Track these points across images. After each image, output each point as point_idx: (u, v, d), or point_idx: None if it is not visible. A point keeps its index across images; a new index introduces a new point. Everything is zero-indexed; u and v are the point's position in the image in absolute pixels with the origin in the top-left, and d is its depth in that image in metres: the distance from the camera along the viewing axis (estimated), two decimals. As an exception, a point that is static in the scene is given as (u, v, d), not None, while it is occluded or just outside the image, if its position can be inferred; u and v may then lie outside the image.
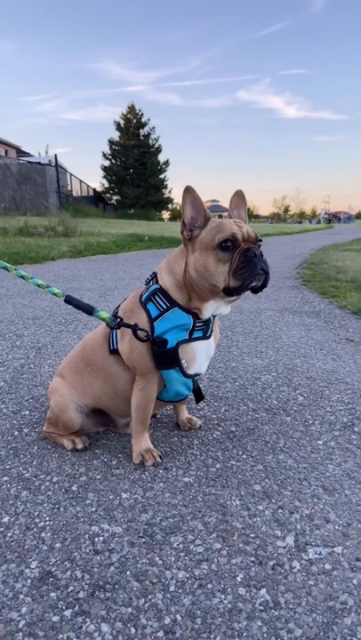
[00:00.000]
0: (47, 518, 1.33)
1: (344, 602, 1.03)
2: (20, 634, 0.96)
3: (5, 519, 1.33)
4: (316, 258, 9.18)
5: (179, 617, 1.00)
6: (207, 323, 1.55)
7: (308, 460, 1.63)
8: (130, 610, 1.02)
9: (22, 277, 1.64)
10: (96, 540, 1.24)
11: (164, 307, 1.50)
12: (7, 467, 1.59)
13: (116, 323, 1.52)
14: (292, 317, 3.90)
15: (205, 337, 1.57)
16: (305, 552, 1.19)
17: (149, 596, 1.05)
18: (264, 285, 1.43)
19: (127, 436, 1.80)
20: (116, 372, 1.62)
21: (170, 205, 47.06)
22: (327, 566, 1.14)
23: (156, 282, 1.56)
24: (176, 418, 1.89)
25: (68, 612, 1.01)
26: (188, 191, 1.42)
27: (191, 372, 1.58)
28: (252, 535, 1.25)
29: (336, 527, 1.28)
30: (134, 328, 1.49)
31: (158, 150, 43.24)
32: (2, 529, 1.28)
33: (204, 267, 1.41)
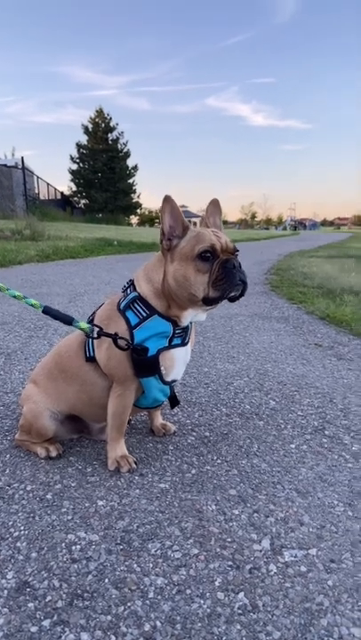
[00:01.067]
0: (22, 528, 1.31)
1: (320, 603, 1.06)
2: (-2, 646, 0.94)
3: (-21, 529, 1.30)
4: (283, 264, 9.33)
5: (158, 623, 1.00)
6: (185, 330, 1.57)
7: (282, 464, 1.65)
8: (109, 618, 1.01)
9: None
10: (73, 548, 1.23)
11: (144, 314, 1.51)
12: (-21, 476, 1.56)
13: (96, 332, 1.51)
14: (262, 322, 3.95)
15: (183, 344, 1.58)
16: (281, 555, 1.21)
17: (128, 604, 1.05)
18: (242, 295, 1.45)
19: (101, 443, 1.79)
20: (92, 379, 1.61)
21: (138, 210, 47.05)
22: (303, 568, 1.16)
23: (134, 289, 1.56)
24: (150, 424, 1.89)
25: (46, 622, 1.00)
26: (167, 201, 1.43)
27: (169, 378, 1.59)
28: (229, 539, 1.26)
29: (310, 529, 1.31)
30: (115, 337, 1.48)
31: (127, 155, 43.21)
32: (-25, 539, 1.26)
33: (184, 277, 1.42)
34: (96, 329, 1.52)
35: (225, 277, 1.40)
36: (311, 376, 2.60)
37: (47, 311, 1.61)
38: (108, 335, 1.49)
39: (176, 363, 1.59)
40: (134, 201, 44.62)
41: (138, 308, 1.52)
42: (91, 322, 1.61)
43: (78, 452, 1.74)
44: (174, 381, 1.64)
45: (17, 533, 1.28)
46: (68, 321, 1.57)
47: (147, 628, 0.99)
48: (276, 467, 1.64)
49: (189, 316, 1.53)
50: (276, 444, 1.80)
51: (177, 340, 1.56)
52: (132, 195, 43.92)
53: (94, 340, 1.58)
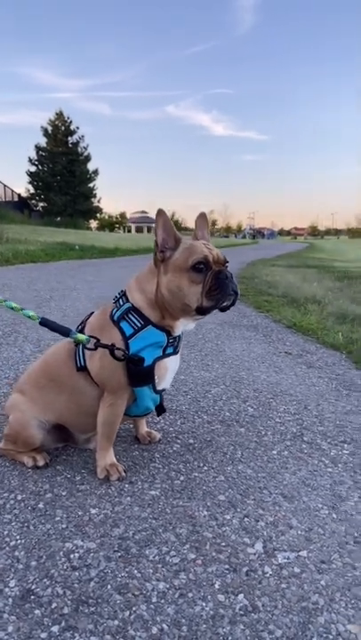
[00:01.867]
0: (17, 537, 1.31)
1: (316, 602, 1.11)
2: (10, 654, 0.95)
3: (-26, 540, 1.30)
4: (247, 272, 9.51)
5: (165, 626, 1.03)
6: (177, 339, 1.61)
7: (266, 470, 1.71)
8: (116, 622, 1.04)
9: None
10: (71, 556, 1.24)
11: (139, 325, 1.54)
12: (-33, 486, 1.55)
13: (93, 344, 1.53)
14: (233, 331, 4.04)
15: (175, 352, 1.62)
16: (274, 557, 1.26)
17: (133, 608, 1.08)
18: (232, 304, 1.51)
19: (87, 452, 1.80)
20: (82, 389, 1.63)
21: (98, 215, 46.74)
22: (296, 570, 1.22)
23: (127, 300, 1.59)
24: (136, 432, 1.92)
25: (55, 628, 1.02)
26: (160, 214, 1.47)
27: (161, 387, 1.62)
28: (223, 544, 1.31)
29: (299, 532, 1.37)
30: (112, 348, 1.50)
31: (87, 159, 42.91)
32: (-28, 550, 1.26)
33: (178, 287, 1.47)
34: (93, 340, 1.53)
35: (218, 288, 1.45)
36: (285, 383, 2.69)
37: (45, 323, 1.62)
38: (105, 346, 1.51)
39: (168, 372, 1.63)
40: (94, 205, 44.33)
41: (132, 318, 1.55)
42: (81, 331, 1.63)
43: (65, 460, 1.75)
44: (164, 390, 1.67)
45: (13, 542, 1.29)
46: (65, 332, 1.58)
47: (154, 630, 1.02)
48: (261, 472, 1.69)
49: (182, 326, 1.58)
50: (259, 451, 1.86)
51: (169, 350, 1.60)
52: (93, 199, 43.62)
53: (86, 350, 1.60)
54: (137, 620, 1.04)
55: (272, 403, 2.37)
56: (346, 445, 1.92)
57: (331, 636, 1.02)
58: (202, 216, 1.66)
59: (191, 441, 1.93)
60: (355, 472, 1.71)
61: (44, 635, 1.00)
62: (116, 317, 1.58)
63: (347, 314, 4.66)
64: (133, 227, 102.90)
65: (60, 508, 1.45)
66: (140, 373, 1.54)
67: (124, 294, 1.62)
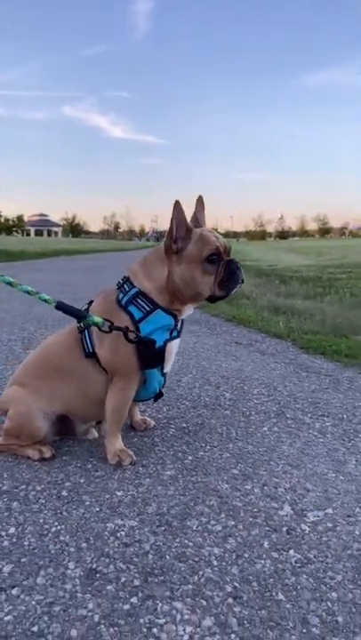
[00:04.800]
0: (56, 523, 1.30)
1: (358, 548, 1.23)
2: (102, 626, 0.96)
3: (12, 530, 1.26)
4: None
5: (236, 584, 1.09)
6: (181, 322, 1.67)
7: (264, 445, 1.81)
8: (190, 586, 1.08)
9: (10, 284, 1.57)
10: (118, 534, 1.26)
11: (148, 309, 1.57)
12: (-20, 482, 1.49)
13: (108, 326, 1.53)
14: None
15: (179, 336, 1.68)
16: (306, 517, 1.36)
17: (200, 572, 1.12)
18: (235, 291, 1.60)
19: (87, 442, 1.80)
20: (90, 376, 1.62)
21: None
22: (329, 524, 1.33)
23: (132, 285, 1.61)
24: (130, 420, 1.94)
25: (134, 600, 1.04)
26: (176, 206, 1.51)
27: (167, 369, 1.67)
28: (255, 510, 1.38)
29: (318, 494, 1.48)
30: (125, 330, 1.52)
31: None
32: (15, 539, 1.23)
33: (192, 278, 1.54)
34: (107, 323, 1.54)
35: (230, 278, 1.54)
36: (247, 369, 2.82)
37: (60, 307, 1.60)
38: (118, 329, 1.53)
39: (173, 354, 1.68)
40: (-8, 208, 42.36)
41: (141, 302, 1.58)
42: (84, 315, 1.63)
43: (68, 451, 1.73)
44: (166, 372, 1.72)
45: (54, 529, 1.27)
46: (82, 316, 1.58)
47: (229, 589, 1.07)
48: (261, 447, 1.79)
49: (189, 310, 1.65)
50: (251, 429, 1.96)
51: (175, 333, 1.65)
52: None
53: (95, 336, 1.60)
54: (208, 582, 1.09)
55: (244, 387, 2.49)
56: (326, 418, 2.08)
57: (383, 573, 1.13)
58: (200, 200, 1.72)
59: (184, 425, 1.98)
60: (343, 440, 1.86)
61: (126, 606, 1.02)
62: (123, 302, 1.60)
63: (278, 306, 4.93)
64: (32, 230, 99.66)
65: (85, 494, 1.44)
66: (151, 355, 1.58)
67: (127, 280, 1.64)
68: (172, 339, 1.63)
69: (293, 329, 3.87)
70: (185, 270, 1.55)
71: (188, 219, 1.60)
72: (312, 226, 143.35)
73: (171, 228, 1.54)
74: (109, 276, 7.70)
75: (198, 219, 1.69)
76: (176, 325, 1.65)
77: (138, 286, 1.60)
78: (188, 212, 1.63)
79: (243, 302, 5.25)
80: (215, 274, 1.54)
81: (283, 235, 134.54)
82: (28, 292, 1.60)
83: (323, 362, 3.03)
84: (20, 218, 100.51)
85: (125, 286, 1.63)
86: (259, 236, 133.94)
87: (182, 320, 1.69)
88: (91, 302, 1.72)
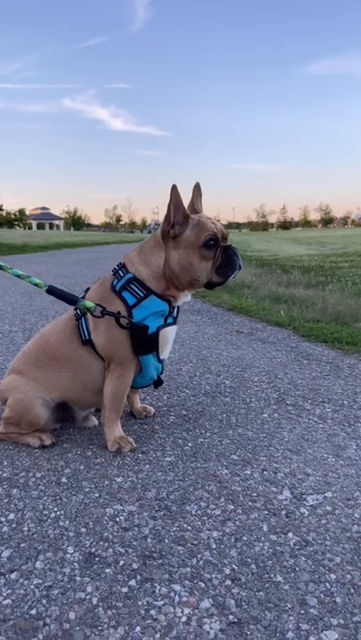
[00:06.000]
0: (55, 509, 1.30)
1: (357, 531, 1.22)
2: (100, 609, 0.97)
3: (12, 516, 1.27)
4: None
5: (235, 567, 1.09)
6: (177, 309, 1.66)
7: (264, 431, 1.81)
8: (189, 569, 1.08)
9: (0, 268, 1.56)
10: (117, 519, 1.26)
11: (141, 294, 1.57)
12: (-20, 469, 1.49)
13: (100, 311, 1.53)
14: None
15: (174, 322, 1.67)
16: (305, 500, 1.36)
17: (199, 555, 1.12)
18: (234, 278, 1.59)
19: (87, 430, 1.80)
20: (88, 363, 1.62)
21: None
22: (328, 508, 1.32)
23: (127, 271, 1.61)
24: (130, 407, 1.94)
25: (132, 582, 1.04)
26: (173, 190, 1.50)
27: (163, 356, 1.67)
28: (254, 494, 1.38)
29: (317, 478, 1.48)
30: (117, 315, 1.52)
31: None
32: (14, 525, 1.23)
33: (190, 263, 1.53)
34: (99, 308, 1.54)
35: (228, 264, 1.53)
36: (248, 358, 2.81)
37: (52, 290, 1.59)
38: (110, 314, 1.52)
39: (169, 340, 1.68)
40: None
41: (134, 288, 1.58)
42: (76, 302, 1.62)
43: (67, 439, 1.74)
44: (163, 360, 1.72)
45: (53, 514, 1.28)
46: (73, 300, 1.57)
47: (227, 571, 1.07)
48: (261, 433, 1.79)
49: (185, 297, 1.64)
50: (251, 415, 1.96)
51: (170, 319, 1.65)
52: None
53: (90, 323, 1.60)
54: (207, 565, 1.09)
55: (244, 375, 2.49)
56: (326, 405, 2.07)
57: (381, 555, 1.13)
58: (197, 186, 1.71)
59: (184, 412, 1.98)
60: (343, 425, 1.86)
61: (124, 589, 1.02)
62: (117, 288, 1.59)
63: (279, 295, 4.92)
64: (34, 223, 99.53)
65: (85, 480, 1.45)
66: (144, 341, 1.57)
67: (123, 266, 1.64)
68: (166, 325, 1.63)
69: (295, 317, 3.86)
70: (182, 255, 1.54)
71: (186, 206, 1.59)
72: (315, 216, 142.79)
73: (168, 212, 1.53)
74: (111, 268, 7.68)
75: (196, 206, 1.68)
76: (171, 312, 1.64)
77: (133, 272, 1.60)
78: (187, 201, 1.62)
79: (244, 292, 5.24)
80: (213, 259, 1.53)
81: (285, 225, 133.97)
82: (18, 276, 1.60)
83: (324, 349, 3.02)
84: (21, 211, 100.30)
85: (120, 272, 1.63)
86: (261, 226, 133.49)
87: (178, 307, 1.68)
88: (88, 290, 1.71)
